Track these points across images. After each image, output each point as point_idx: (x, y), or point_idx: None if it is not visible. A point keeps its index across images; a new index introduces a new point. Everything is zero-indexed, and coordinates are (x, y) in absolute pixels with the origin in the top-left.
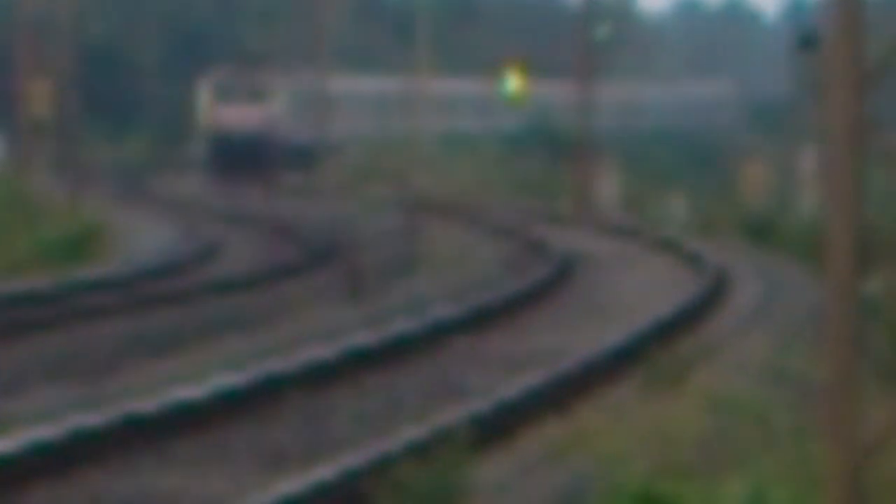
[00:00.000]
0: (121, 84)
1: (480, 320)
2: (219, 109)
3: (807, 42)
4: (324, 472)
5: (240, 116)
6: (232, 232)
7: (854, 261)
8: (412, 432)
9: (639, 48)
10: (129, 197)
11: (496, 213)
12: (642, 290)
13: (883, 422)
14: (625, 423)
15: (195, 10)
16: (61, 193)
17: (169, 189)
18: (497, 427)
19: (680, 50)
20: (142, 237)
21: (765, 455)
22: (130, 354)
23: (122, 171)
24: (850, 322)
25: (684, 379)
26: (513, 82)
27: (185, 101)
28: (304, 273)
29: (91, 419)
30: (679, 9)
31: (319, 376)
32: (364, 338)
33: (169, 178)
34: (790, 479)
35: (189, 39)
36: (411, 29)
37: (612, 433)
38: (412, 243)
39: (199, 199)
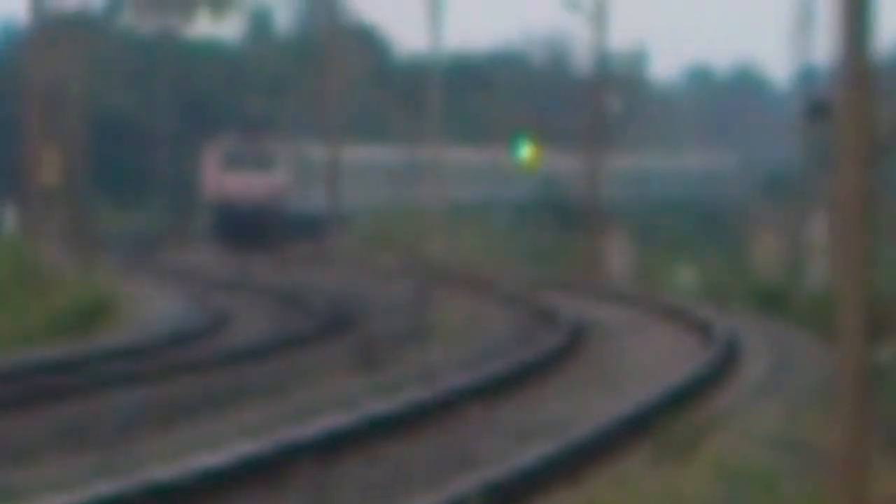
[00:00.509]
0: (131, 153)
1: (492, 390)
2: (225, 177)
3: (817, 110)
4: None
5: (247, 184)
6: (242, 301)
7: (864, 329)
8: (425, 501)
9: (649, 117)
10: (140, 267)
11: (507, 283)
12: (653, 359)
13: (891, 490)
14: (635, 493)
15: (205, 79)
16: (72, 263)
17: (179, 259)
18: (509, 497)
19: (690, 118)
20: (153, 307)
21: None
22: (143, 424)
23: (132, 241)
24: (860, 391)
25: (694, 448)
26: (525, 150)
27: (194, 170)
28: (314, 343)
29: (108, 487)
30: (689, 76)
31: (333, 444)
32: (377, 406)
33: (179, 248)
34: None
35: (199, 108)
36: (421, 97)
37: (623, 502)
38: (423, 313)
39: (208, 269)
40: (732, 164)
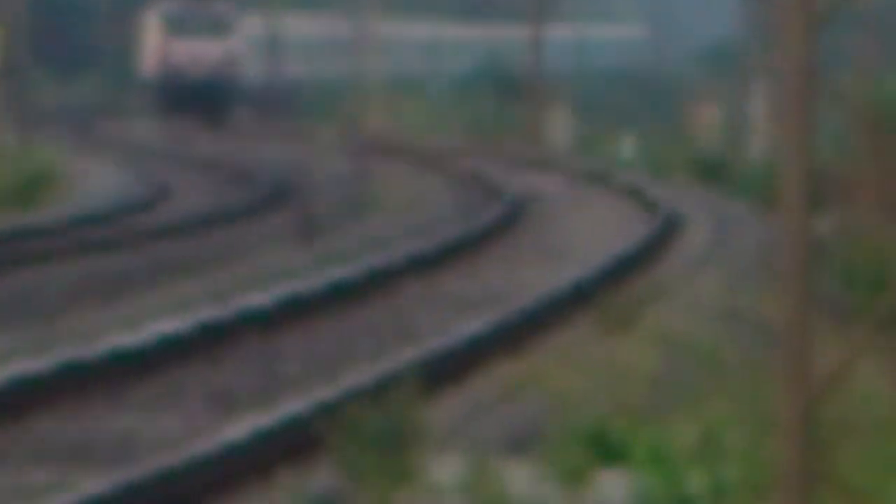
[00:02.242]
0: (72, 27)
1: (432, 261)
2: (172, 44)
3: None
4: (274, 415)
5: (197, 52)
6: (183, 175)
7: (806, 200)
8: (366, 374)
9: None
10: (80, 140)
11: (447, 156)
12: (595, 231)
13: (836, 361)
14: (576, 365)
15: None
16: (11, 137)
17: (118, 132)
18: (449, 370)
19: None
20: (93, 179)
21: (717, 395)
22: (85, 297)
23: (72, 115)
24: (802, 262)
25: (637, 319)
26: None
27: (132, 40)
28: (255, 216)
29: (34, 365)
30: None
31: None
32: (315, 280)
33: (118, 121)
34: (743, 420)
35: None
36: None
37: (564, 374)
38: (363, 185)
39: (147, 142)
40: (641, 35)
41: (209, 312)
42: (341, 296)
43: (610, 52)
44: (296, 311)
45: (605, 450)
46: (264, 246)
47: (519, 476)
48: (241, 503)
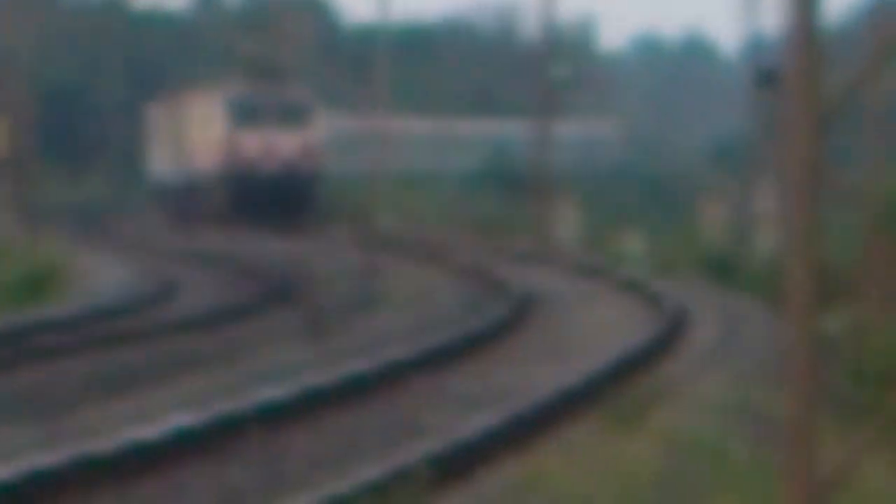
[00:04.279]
0: (80, 124)
1: (440, 359)
2: (239, 136)
3: (765, 78)
4: None
5: (270, 145)
6: (190, 270)
7: (813, 298)
8: (372, 470)
9: (596, 85)
10: (87, 237)
11: (455, 252)
12: (601, 328)
13: (840, 459)
14: (583, 463)
15: (153, 49)
16: (18, 233)
17: (124, 229)
18: (456, 467)
19: (639, 87)
20: (99, 276)
21: (723, 494)
22: (87, 394)
23: (79, 212)
24: (809, 359)
25: (643, 418)
26: None
27: (139, 137)
28: (263, 312)
29: (47, 459)
30: (639, 46)
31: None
32: (322, 376)
33: (124, 218)
34: None
35: (147, 78)
36: (370, 67)
37: (570, 473)
38: (372, 281)
39: (153, 239)
40: (612, 133)
41: (219, 407)
42: (349, 393)
43: (615, 148)
44: (305, 405)
45: None
46: (274, 342)
47: None
48: None
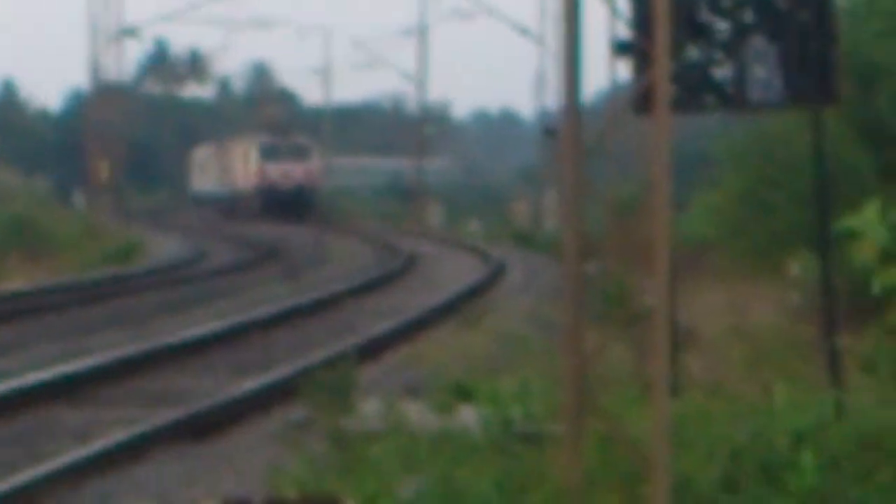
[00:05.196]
0: (149, 163)
1: (361, 291)
2: (266, 166)
3: (548, 131)
4: (272, 375)
5: (286, 172)
6: (215, 244)
7: (578, 253)
8: (324, 352)
9: (450, 138)
10: (155, 226)
11: (369, 231)
12: (454, 272)
13: (594, 343)
14: (444, 348)
15: (191, 120)
16: (115, 225)
17: (177, 222)
18: (371, 350)
19: (476, 139)
20: (162, 248)
21: (528, 364)
22: (160, 312)
23: (149, 212)
24: (578, 289)
25: (479, 322)
26: None
27: (182, 171)
28: (259, 266)
29: (134, 349)
30: (475, 115)
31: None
32: (295, 301)
33: (175, 216)
34: (543, 378)
35: (187, 137)
36: (320, 130)
37: (437, 353)
38: (323, 248)
39: (194, 227)
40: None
41: (234, 318)
42: (310, 310)
43: (457, 173)
44: (284, 317)
45: (462, 394)
46: (265, 283)
47: (413, 409)
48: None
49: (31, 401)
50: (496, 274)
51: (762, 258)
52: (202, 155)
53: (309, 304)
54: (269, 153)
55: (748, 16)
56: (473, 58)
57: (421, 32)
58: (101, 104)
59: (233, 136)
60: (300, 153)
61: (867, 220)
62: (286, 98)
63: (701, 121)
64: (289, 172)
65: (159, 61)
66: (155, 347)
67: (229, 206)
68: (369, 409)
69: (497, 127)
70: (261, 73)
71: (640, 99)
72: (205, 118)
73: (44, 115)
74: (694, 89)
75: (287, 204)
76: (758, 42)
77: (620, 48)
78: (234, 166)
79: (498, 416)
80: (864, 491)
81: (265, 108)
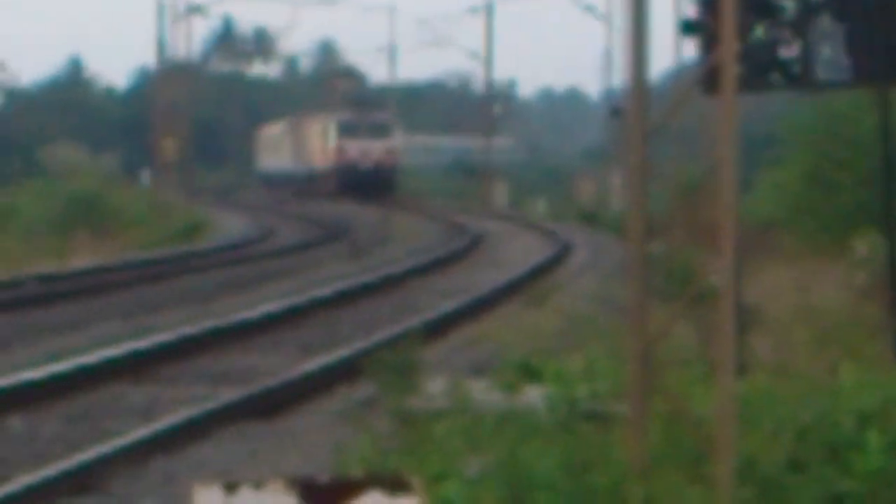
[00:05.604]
0: (217, 141)
1: (426, 270)
2: (345, 144)
3: (614, 111)
4: (338, 353)
5: (365, 150)
6: (280, 222)
7: (643, 233)
8: (391, 331)
9: (518, 117)
10: (221, 204)
11: (436, 209)
12: (520, 251)
13: (660, 323)
14: (510, 326)
15: (258, 99)
16: (181, 202)
17: (243, 200)
18: (437, 329)
19: (539, 118)
20: (229, 226)
21: (593, 344)
22: (225, 291)
23: (216, 190)
24: (643, 268)
25: (546, 301)
26: None
27: (251, 148)
28: (324, 244)
29: (196, 329)
30: (541, 95)
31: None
32: (360, 279)
33: (241, 194)
34: (609, 358)
35: (255, 116)
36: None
37: (503, 332)
38: (388, 226)
39: (258, 204)
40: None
41: (298, 298)
42: (375, 289)
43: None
44: (349, 296)
45: (529, 373)
46: (330, 261)
47: (478, 388)
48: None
49: (97, 379)
50: (562, 253)
51: (828, 237)
52: (272, 132)
53: (374, 282)
54: (348, 130)
55: None
56: (540, 37)
57: (487, 11)
58: (167, 82)
59: (308, 112)
60: (380, 131)
61: None
62: (354, 75)
63: (766, 101)
64: (368, 150)
65: (226, 39)
66: (220, 326)
67: (304, 186)
68: (434, 388)
69: (563, 106)
70: (327, 52)
71: (707, 78)
72: (271, 97)
73: (110, 93)
74: (760, 69)
75: (366, 184)
76: (825, 21)
77: (687, 28)
78: (310, 144)
79: (563, 396)
80: None
81: (338, 82)
